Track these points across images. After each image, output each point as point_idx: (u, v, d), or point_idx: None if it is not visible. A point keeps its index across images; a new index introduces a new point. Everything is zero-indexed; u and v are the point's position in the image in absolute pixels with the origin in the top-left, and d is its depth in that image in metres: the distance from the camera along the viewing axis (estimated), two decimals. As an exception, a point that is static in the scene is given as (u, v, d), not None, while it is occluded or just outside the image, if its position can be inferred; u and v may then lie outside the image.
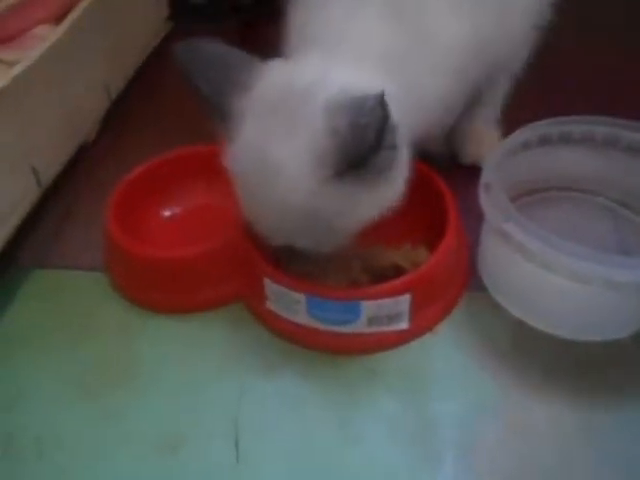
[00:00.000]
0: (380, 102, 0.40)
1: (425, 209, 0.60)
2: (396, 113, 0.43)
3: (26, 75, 0.62)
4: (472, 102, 0.72)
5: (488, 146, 0.67)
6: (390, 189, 0.48)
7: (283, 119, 0.45)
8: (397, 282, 0.52)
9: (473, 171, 0.57)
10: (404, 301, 0.52)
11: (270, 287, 0.54)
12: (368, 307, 0.52)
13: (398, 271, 0.55)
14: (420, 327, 0.55)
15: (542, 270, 0.49)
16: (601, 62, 0.86)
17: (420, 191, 0.60)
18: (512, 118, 0.66)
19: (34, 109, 0.65)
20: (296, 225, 0.47)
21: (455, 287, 0.58)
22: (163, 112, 0.83)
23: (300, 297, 0.52)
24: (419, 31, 0.51)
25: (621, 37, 0.92)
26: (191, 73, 0.46)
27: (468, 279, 0.59)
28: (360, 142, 0.42)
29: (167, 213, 0.67)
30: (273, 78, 0.47)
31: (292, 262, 0.54)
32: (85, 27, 0.73)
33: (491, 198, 0.53)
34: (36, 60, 0.64)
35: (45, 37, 0.69)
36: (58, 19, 0.73)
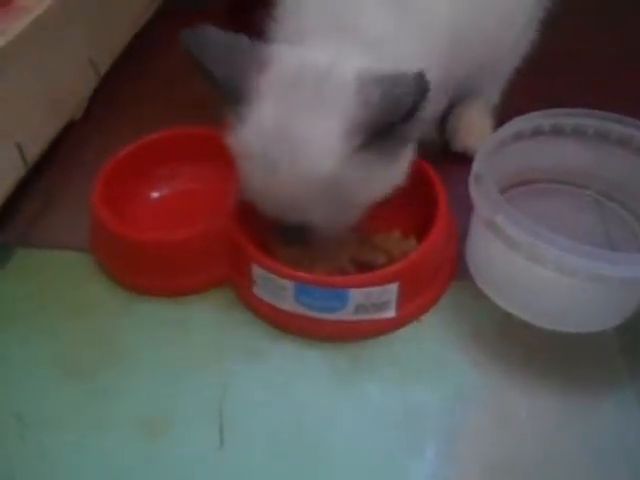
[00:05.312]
0: (421, 76, 0.43)
1: (416, 198, 0.59)
2: None
3: (9, 47, 0.61)
4: (467, 90, 0.72)
5: (480, 135, 0.67)
6: (402, 165, 0.50)
7: (307, 95, 0.46)
8: (385, 271, 0.53)
9: (464, 160, 0.57)
10: (391, 290, 0.52)
11: (257, 272, 0.54)
12: (356, 295, 0.52)
13: (386, 263, 0.55)
14: (406, 316, 0.55)
15: (529, 262, 0.49)
16: (608, 54, 0.86)
17: (411, 179, 0.60)
18: (508, 105, 0.65)
19: (17, 83, 0.63)
20: (315, 199, 0.48)
21: (442, 277, 0.58)
22: (153, 92, 0.82)
23: (287, 283, 0.52)
24: (414, 14, 0.51)
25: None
26: (202, 58, 0.47)
27: (455, 269, 0.59)
28: (393, 111, 0.44)
29: (155, 195, 0.66)
30: (288, 60, 0.48)
31: (288, 245, 0.54)
32: (70, 1, 0.71)
33: (481, 189, 0.53)
34: (20, 32, 0.63)
35: (30, 9, 0.67)
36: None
